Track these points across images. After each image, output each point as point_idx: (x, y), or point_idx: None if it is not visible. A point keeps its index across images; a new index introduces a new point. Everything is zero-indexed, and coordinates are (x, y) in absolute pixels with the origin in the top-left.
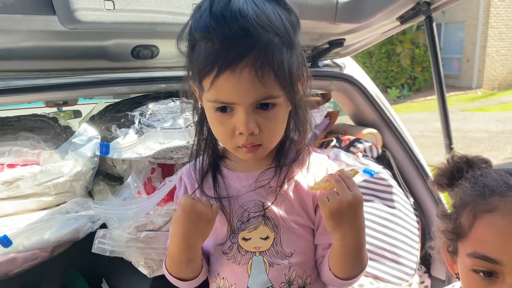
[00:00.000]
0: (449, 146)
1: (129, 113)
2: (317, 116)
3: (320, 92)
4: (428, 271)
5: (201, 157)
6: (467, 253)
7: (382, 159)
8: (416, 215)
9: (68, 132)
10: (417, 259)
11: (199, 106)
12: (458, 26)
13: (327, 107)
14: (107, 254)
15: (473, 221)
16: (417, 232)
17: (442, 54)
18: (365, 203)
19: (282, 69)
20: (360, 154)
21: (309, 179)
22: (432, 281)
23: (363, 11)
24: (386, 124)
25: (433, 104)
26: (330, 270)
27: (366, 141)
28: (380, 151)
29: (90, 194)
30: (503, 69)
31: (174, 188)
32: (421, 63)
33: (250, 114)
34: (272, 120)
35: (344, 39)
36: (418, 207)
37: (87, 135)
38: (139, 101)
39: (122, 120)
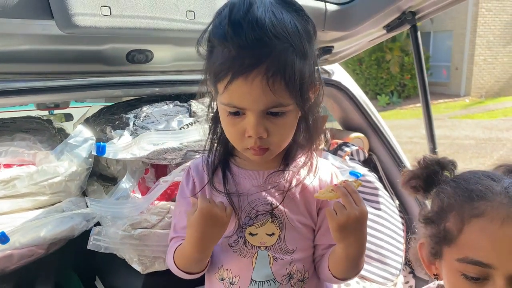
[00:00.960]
0: (433, 150)
1: (124, 115)
2: None
3: None
4: (412, 271)
5: (213, 154)
6: (457, 258)
7: (368, 163)
8: (401, 217)
9: (62, 134)
10: (402, 259)
11: (214, 105)
12: (447, 35)
13: None
14: (102, 250)
15: (462, 226)
16: (402, 234)
17: (431, 62)
18: None
19: (293, 79)
20: (347, 157)
21: (315, 183)
22: (416, 281)
23: (351, 20)
24: (373, 129)
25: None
26: (329, 270)
27: (353, 145)
28: (366, 154)
29: (84, 194)
30: (490, 78)
31: (168, 188)
32: (410, 71)
33: (260, 119)
34: (280, 126)
35: (332, 47)
36: (403, 209)
37: (82, 136)
38: (134, 104)
39: (117, 122)
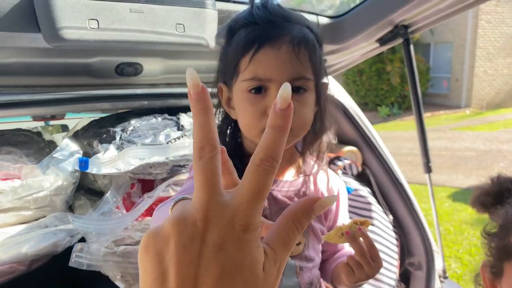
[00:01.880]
0: (427, 164)
1: (111, 128)
2: None
3: None
4: (407, 287)
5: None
6: None
7: (362, 177)
8: (395, 232)
9: (52, 146)
10: (395, 275)
11: (221, 110)
12: (447, 46)
13: None
14: (84, 268)
15: None
16: (396, 249)
17: (431, 73)
18: None
19: (315, 54)
20: (339, 172)
21: (325, 190)
22: None
23: (343, 33)
24: (366, 143)
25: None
26: (332, 282)
27: (346, 159)
28: (360, 168)
29: (70, 208)
30: (490, 89)
31: (153, 203)
32: None
33: None
34: (302, 104)
35: (325, 60)
36: (397, 225)
37: (68, 150)
38: (123, 117)
39: (104, 135)
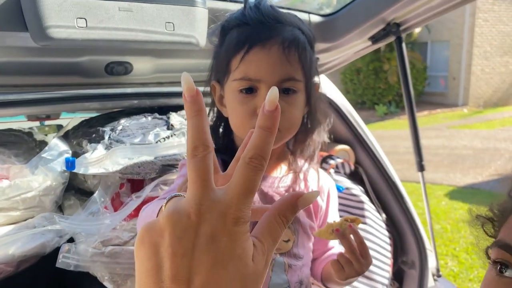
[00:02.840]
0: (420, 163)
1: (100, 128)
2: None
3: None
4: (400, 286)
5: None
6: None
7: (354, 176)
8: (388, 231)
9: (43, 147)
10: (389, 274)
11: (215, 110)
12: (444, 45)
13: None
14: (72, 268)
15: None
16: (389, 248)
17: (428, 72)
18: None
19: (305, 55)
20: (332, 170)
21: (315, 188)
22: None
23: (335, 31)
24: (359, 141)
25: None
26: (322, 280)
27: (338, 158)
28: (352, 167)
29: (60, 209)
30: (487, 88)
31: (142, 203)
32: None
33: None
34: (291, 105)
35: (317, 58)
36: (391, 223)
37: (57, 150)
38: (113, 117)
39: (94, 135)
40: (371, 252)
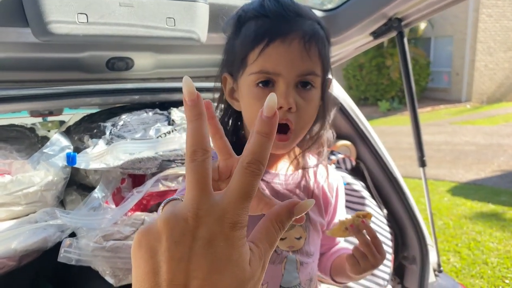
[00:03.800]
0: (421, 158)
1: (102, 123)
2: None
3: None
4: (401, 281)
5: None
6: None
7: (356, 171)
8: (390, 226)
9: (45, 142)
10: (390, 270)
11: (223, 107)
12: (447, 40)
13: None
14: (73, 263)
15: None
16: (390, 244)
17: (432, 68)
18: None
19: (325, 51)
20: (333, 166)
21: (325, 185)
22: None
23: (336, 27)
24: (360, 136)
25: (423, 117)
26: (330, 275)
27: (339, 153)
28: (353, 163)
29: (62, 204)
30: (491, 83)
31: (143, 198)
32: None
33: (290, 89)
34: (308, 102)
35: None
36: (392, 219)
37: (59, 145)
38: (115, 112)
39: (95, 130)
40: None
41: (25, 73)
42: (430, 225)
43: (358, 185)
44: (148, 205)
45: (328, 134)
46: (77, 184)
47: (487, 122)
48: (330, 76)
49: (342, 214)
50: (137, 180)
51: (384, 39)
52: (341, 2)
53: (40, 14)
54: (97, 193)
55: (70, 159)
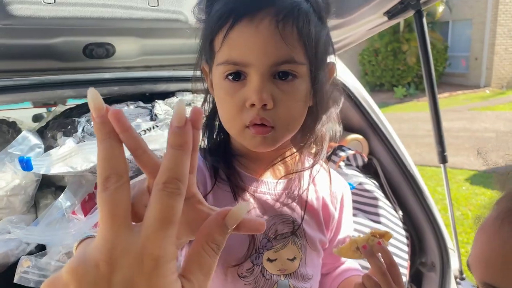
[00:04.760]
0: (442, 154)
1: (76, 119)
2: None
3: None
4: None
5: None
6: None
7: (368, 168)
8: (406, 230)
9: None
10: (406, 277)
11: (210, 99)
12: (466, 24)
13: None
14: (32, 285)
15: None
16: (406, 249)
17: (449, 52)
18: None
19: (308, 32)
20: (342, 163)
21: (326, 195)
22: None
23: (346, 5)
24: (373, 130)
25: (441, 103)
26: None
27: (349, 149)
28: (365, 159)
29: (36, 208)
30: (511, 68)
31: None
32: None
33: (265, 81)
34: (290, 95)
35: None
36: (408, 221)
37: (27, 144)
38: None
39: (69, 127)
40: None
41: None
42: (451, 227)
43: (370, 184)
44: None
45: (334, 128)
46: (55, 186)
47: (507, 108)
48: (332, 59)
49: (348, 229)
50: None
51: (400, 19)
52: None
53: None
54: (61, 202)
55: (24, 164)
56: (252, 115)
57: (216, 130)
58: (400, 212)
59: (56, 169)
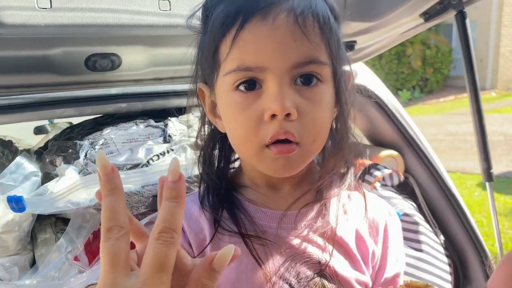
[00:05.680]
0: (488, 171)
1: (78, 141)
2: None
3: None
4: None
5: (209, 189)
6: None
7: (404, 187)
8: (448, 256)
9: None
10: None
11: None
12: (470, 26)
13: None
14: None
15: None
16: (449, 278)
17: (454, 55)
18: None
19: (330, 28)
20: (378, 184)
21: (363, 223)
22: None
23: (378, 7)
24: (409, 145)
25: (446, 106)
26: None
27: (385, 168)
28: (402, 178)
29: (33, 243)
30: None
31: None
32: (432, 65)
33: (285, 88)
34: (316, 103)
35: (355, 41)
36: (450, 246)
37: (22, 172)
38: (103, 123)
39: (70, 150)
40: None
41: None
42: (498, 249)
43: (410, 207)
44: None
45: (355, 145)
46: (55, 215)
47: None
48: (348, 68)
49: (397, 265)
50: None
51: (438, 21)
52: None
53: None
54: (59, 247)
55: (14, 205)
56: (273, 129)
57: (218, 162)
58: (442, 237)
59: (55, 208)
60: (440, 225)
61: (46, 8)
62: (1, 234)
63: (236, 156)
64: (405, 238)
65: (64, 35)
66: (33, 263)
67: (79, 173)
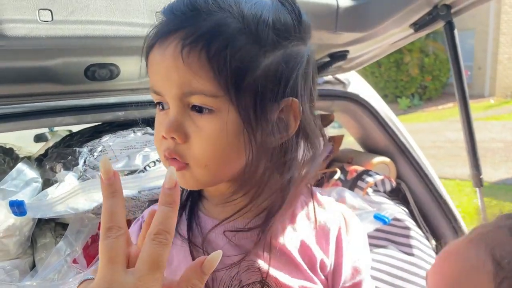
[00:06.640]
0: (478, 177)
1: (77, 149)
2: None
3: (320, 113)
4: None
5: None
6: None
7: (396, 193)
8: None
9: None
10: None
11: None
12: (468, 34)
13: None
14: None
15: None
16: None
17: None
18: (377, 250)
19: (225, 57)
20: (370, 190)
21: (311, 231)
22: None
23: (369, 18)
24: (401, 151)
25: (444, 114)
26: None
27: (377, 174)
28: (394, 184)
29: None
30: None
31: None
32: (431, 72)
33: (180, 113)
34: (204, 131)
35: (347, 51)
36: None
37: (23, 178)
38: (101, 130)
39: (69, 157)
40: None
41: None
42: None
43: (401, 212)
44: None
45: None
46: (54, 220)
47: None
48: (291, 97)
49: (360, 271)
50: None
51: (427, 31)
52: None
53: None
54: (60, 248)
55: (16, 209)
56: (164, 148)
57: None
58: (433, 242)
59: (54, 212)
60: (431, 230)
61: (47, 21)
62: (2, 239)
63: None
64: (397, 243)
65: (64, 46)
66: (33, 267)
67: (78, 179)
